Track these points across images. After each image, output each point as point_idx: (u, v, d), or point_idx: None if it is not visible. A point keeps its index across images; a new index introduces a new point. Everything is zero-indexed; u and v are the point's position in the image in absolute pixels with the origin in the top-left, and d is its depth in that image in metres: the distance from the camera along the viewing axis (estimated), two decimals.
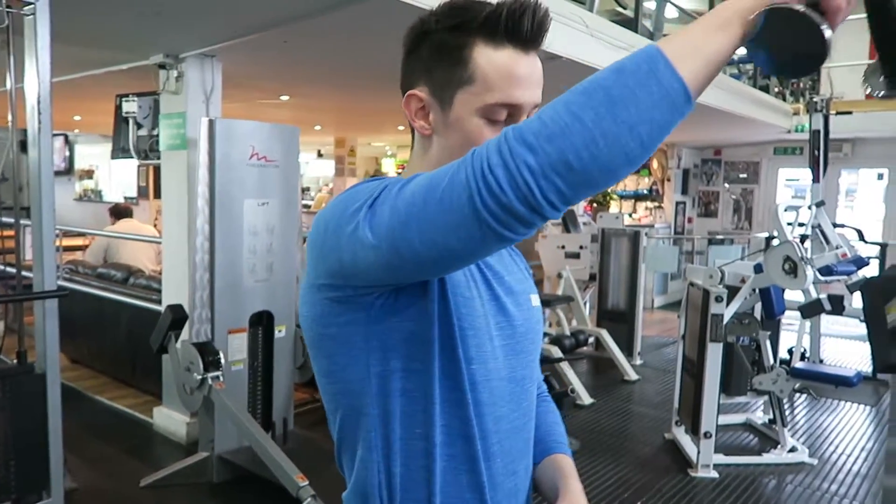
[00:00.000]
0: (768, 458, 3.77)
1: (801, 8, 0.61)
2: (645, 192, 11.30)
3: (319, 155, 13.98)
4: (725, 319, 3.54)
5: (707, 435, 3.54)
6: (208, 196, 3.21)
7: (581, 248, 5.95)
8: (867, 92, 0.76)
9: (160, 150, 3.86)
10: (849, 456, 3.89)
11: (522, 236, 0.68)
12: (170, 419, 3.90)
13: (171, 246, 3.91)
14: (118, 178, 13.70)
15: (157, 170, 9.05)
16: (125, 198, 11.62)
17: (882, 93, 0.73)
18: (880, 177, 8.73)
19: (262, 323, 3.47)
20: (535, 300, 1.01)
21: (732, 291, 3.69)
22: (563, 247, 5.90)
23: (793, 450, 3.81)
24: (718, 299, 3.48)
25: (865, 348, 5.93)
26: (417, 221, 0.70)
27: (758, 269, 3.71)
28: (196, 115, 3.59)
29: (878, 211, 8.59)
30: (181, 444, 3.75)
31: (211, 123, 3.21)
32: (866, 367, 5.39)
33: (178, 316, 3.26)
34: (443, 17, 0.85)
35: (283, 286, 3.49)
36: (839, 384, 3.99)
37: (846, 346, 6.50)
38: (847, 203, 9.21)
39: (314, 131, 9.45)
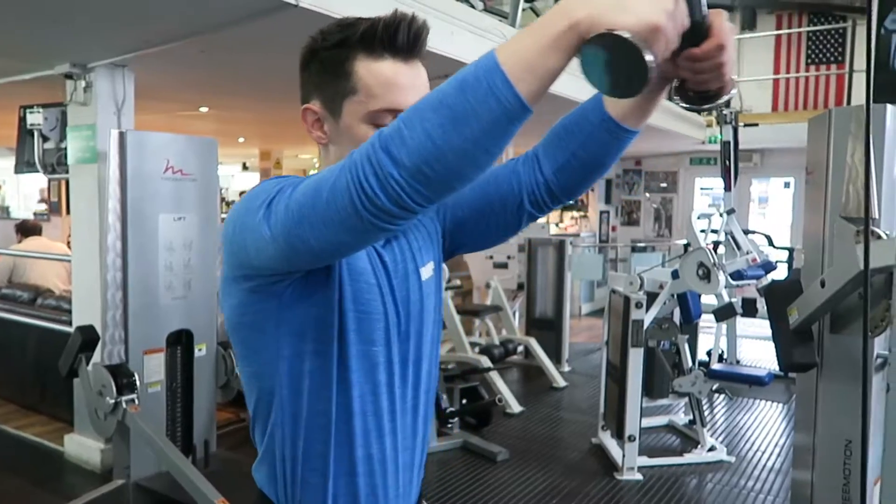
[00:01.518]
0: (689, 457, 3.89)
1: (626, 35, 0.65)
2: (571, 202, 11.57)
3: (245, 167, 13.68)
4: (646, 325, 3.64)
5: (631, 438, 3.62)
6: (119, 211, 3.07)
7: (509, 258, 6.03)
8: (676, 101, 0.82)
9: (68, 163, 3.68)
10: (763, 452, 4.06)
11: (405, 223, 0.76)
12: (82, 446, 3.69)
13: (81, 263, 3.72)
14: (27, 192, 13.01)
15: (68, 185, 8.64)
16: (35, 214, 11.02)
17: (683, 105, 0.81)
18: (787, 185, 9.22)
19: (180, 342, 3.34)
20: (427, 271, 1.04)
21: (652, 297, 3.80)
22: (491, 257, 5.96)
23: (712, 448, 3.95)
24: (638, 305, 3.58)
25: None
26: (309, 221, 0.78)
27: (675, 275, 3.84)
28: (107, 127, 3.43)
29: (787, 217, 9.08)
30: (95, 473, 3.56)
31: (122, 136, 3.08)
32: (778, 367, 5.66)
33: (88, 337, 3.10)
34: (328, 35, 0.94)
35: (202, 303, 3.37)
36: (753, 384, 4.17)
37: (762, 347, 6.81)
38: (760, 210, 9.69)
39: (238, 143, 9.23)
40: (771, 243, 5.54)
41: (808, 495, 2.09)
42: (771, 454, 4.02)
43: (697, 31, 0.73)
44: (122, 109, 3.61)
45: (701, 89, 0.78)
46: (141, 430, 2.92)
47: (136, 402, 2.98)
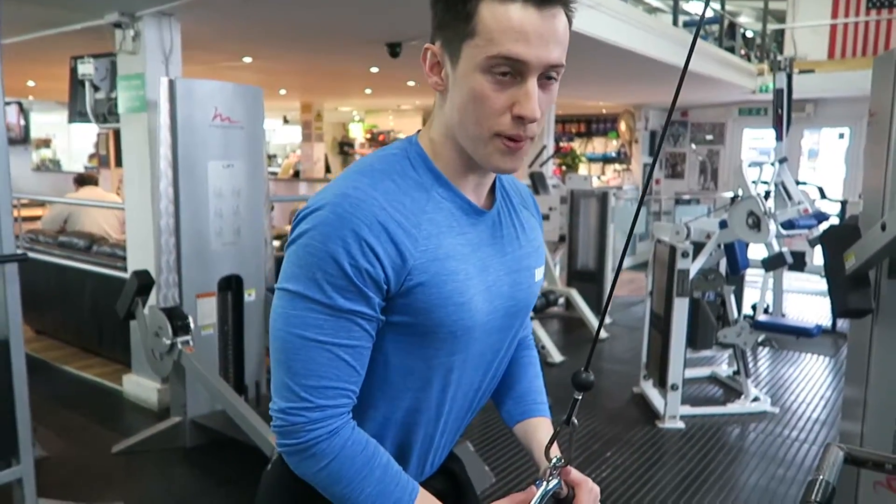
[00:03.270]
0: (732, 407, 3.89)
1: None
2: (613, 154, 11.37)
3: (286, 121, 13.74)
4: (691, 275, 3.60)
5: (674, 387, 3.63)
6: (171, 158, 3.13)
7: (550, 209, 5.99)
8: None
9: (119, 112, 3.75)
10: (808, 404, 4.03)
11: None
12: (140, 386, 3.86)
13: (134, 211, 3.83)
14: (77, 146, 13.33)
15: (117, 137, 8.80)
16: (85, 167, 11.31)
17: None
18: (841, 136, 8.89)
19: (231, 287, 3.44)
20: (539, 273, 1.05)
21: (698, 248, 3.75)
22: None
23: (755, 399, 3.94)
24: (685, 255, 3.54)
25: (825, 303, 6.10)
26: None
27: (723, 224, 3.77)
28: (155, 77, 3.48)
29: (839, 171, 8.77)
30: (152, 411, 3.73)
31: (171, 84, 3.12)
32: (826, 320, 5.56)
33: (144, 281, 3.21)
34: None
35: (251, 250, 3.44)
36: (800, 335, 4.11)
37: (807, 302, 6.69)
38: (810, 165, 9.38)
39: (279, 96, 9.27)
40: (823, 195, 5.38)
41: (859, 442, 2.07)
42: (816, 406, 3.99)
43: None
44: (170, 58, 3.65)
45: None
46: (196, 370, 3.04)
47: (191, 343, 3.09)
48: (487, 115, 0.83)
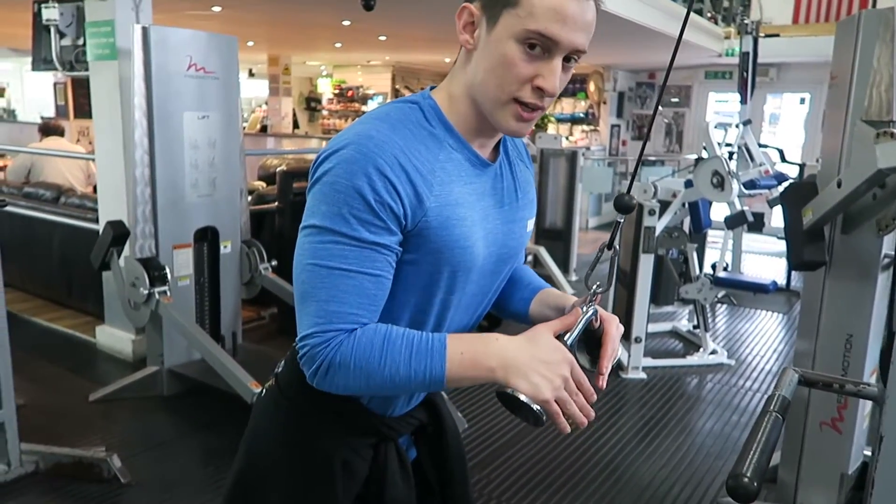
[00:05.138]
0: (691, 360, 4.08)
1: (522, 398, 0.85)
2: (581, 115, 11.45)
3: (251, 74, 13.44)
4: (657, 232, 3.74)
5: (637, 340, 3.79)
6: (145, 108, 3.10)
7: None
8: None
9: (87, 60, 3.67)
10: (762, 357, 4.25)
11: None
12: (114, 337, 3.88)
13: (105, 161, 3.78)
14: (32, 96, 12.88)
15: (76, 87, 8.50)
16: (42, 117, 10.95)
17: None
18: (802, 101, 9.11)
19: (206, 239, 3.45)
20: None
21: (664, 206, 3.88)
22: None
23: (713, 352, 4.14)
24: (651, 212, 3.67)
25: (782, 263, 6.36)
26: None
27: (688, 184, 3.90)
28: (125, 24, 3.42)
29: (798, 137, 9.01)
30: (127, 362, 3.75)
31: (145, 31, 3.07)
32: (781, 278, 5.80)
33: (119, 232, 3.21)
34: None
35: (226, 202, 3.46)
36: (757, 291, 4.31)
37: (764, 262, 6.95)
38: (770, 129, 9.60)
39: (246, 48, 9.07)
40: (783, 158, 5.56)
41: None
42: (769, 359, 4.21)
43: (591, 337, 0.96)
44: (141, 5, 3.57)
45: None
46: (173, 319, 3.08)
47: (168, 293, 3.12)
48: (511, 81, 0.89)
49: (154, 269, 3.10)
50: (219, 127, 3.34)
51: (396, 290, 0.94)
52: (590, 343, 0.96)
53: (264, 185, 5.24)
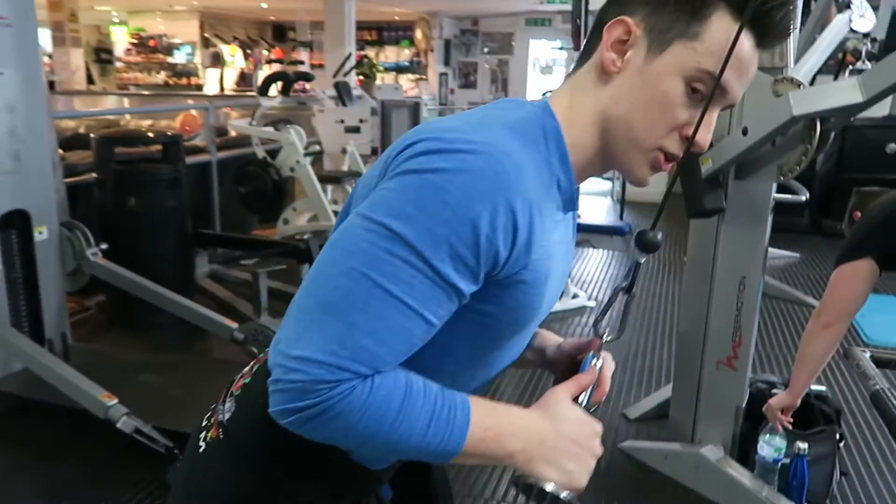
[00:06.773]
0: (556, 306, 4.16)
1: (549, 489, 0.72)
2: (406, 63, 11.27)
3: None
4: None
5: None
6: None
7: (361, 121, 5.77)
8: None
9: None
10: None
11: None
12: None
13: None
14: None
15: None
16: None
17: None
18: None
19: (14, 225, 2.84)
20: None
21: None
22: (342, 121, 5.67)
23: (575, 296, 4.26)
24: None
25: (607, 203, 6.72)
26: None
27: None
28: None
29: None
30: None
31: None
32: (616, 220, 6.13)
33: None
34: None
35: (36, 178, 2.85)
36: (614, 234, 4.48)
37: (599, 203, 7.34)
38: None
39: None
40: None
41: (703, 328, 2.30)
42: None
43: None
44: None
45: None
46: None
47: None
48: (664, 125, 0.74)
49: None
50: (18, 86, 2.71)
51: (452, 339, 0.73)
52: (574, 371, 0.86)
53: (61, 151, 4.47)
